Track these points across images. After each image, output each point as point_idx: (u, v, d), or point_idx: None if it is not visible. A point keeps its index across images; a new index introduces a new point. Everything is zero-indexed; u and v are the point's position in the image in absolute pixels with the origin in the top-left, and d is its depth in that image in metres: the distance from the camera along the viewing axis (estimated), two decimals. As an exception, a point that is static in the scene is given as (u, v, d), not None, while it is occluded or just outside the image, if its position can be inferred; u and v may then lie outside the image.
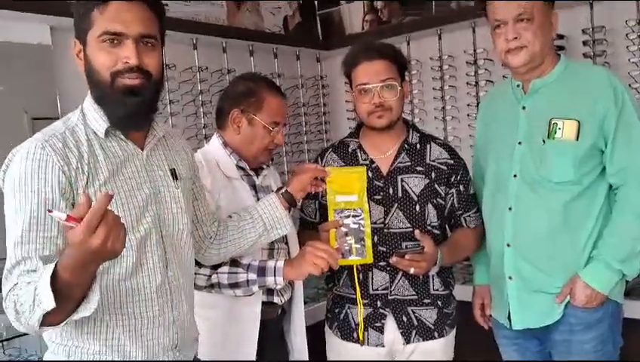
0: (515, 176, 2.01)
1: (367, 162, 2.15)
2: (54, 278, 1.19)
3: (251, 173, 2.11)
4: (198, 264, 1.86)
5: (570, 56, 3.08)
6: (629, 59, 2.91)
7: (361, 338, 2.10)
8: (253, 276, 1.94)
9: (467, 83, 3.40)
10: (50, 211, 1.16)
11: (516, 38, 1.92)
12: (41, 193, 1.35)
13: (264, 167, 2.16)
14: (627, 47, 2.92)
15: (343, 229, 2.01)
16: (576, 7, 3.03)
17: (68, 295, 1.22)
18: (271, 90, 2.09)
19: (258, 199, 2.06)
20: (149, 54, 1.45)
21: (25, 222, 1.33)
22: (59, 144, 1.40)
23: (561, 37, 3.07)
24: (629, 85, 2.88)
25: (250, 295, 1.97)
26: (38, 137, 1.42)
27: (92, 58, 1.43)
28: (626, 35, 2.91)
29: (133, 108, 1.44)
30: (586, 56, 3.00)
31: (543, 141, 1.95)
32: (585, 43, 3.01)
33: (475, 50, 3.32)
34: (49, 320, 1.25)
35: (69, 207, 1.37)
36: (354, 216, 2.00)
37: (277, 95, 2.09)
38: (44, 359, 1.52)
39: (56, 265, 1.20)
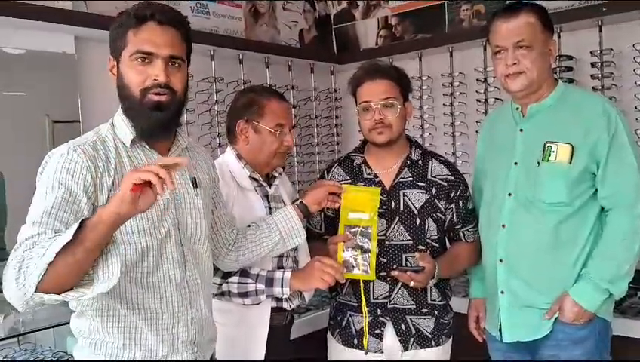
0: (509, 195, 2.08)
1: (371, 176, 2.24)
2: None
3: (264, 183, 2.19)
4: None
5: (579, 77, 3.13)
6: (635, 82, 2.95)
7: (365, 345, 2.17)
8: (261, 286, 2.03)
9: (477, 100, 3.45)
10: None
11: (515, 63, 1.99)
12: (67, 185, 1.47)
13: (276, 175, 2.24)
14: (634, 69, 2.95)
15: (351, 244, 2.09)
16: (585, 29, 3.08)
17: (83, 244, 1.29)
18: (270, 95, 2.17)
19: (270, 209, 2.16)
20: (176, 74, 1.59)
21: (47, 206, 1.44)
22: (89, 149, 1.54)
23: (570, 58, 3.13)
24: (635, 107, 2.93)
25: (257, 303, 2.06)
26: (72, 142, 1.56)
27: (124, 74, 1.58)
28: (634, 58, 2.94)
29: (158, 122, 1.58)
30: (593, 78, 3.04)
31: (538, 163, 2.02)
32: (593, 65, 3.05)
33: (485, 68, 3.36)
34: (50, 279, 1.28)
35: (89, 204, 1.49)
36: (362, 234, 2.08)
37: (277, 99, 2.17)
38: (72, 353, 1.65)
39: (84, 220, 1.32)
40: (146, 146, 1.63)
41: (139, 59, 1.55)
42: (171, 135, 1.69)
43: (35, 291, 1.29)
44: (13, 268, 1.33)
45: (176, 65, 1.59)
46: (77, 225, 1.30)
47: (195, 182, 1.73)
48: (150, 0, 1.66)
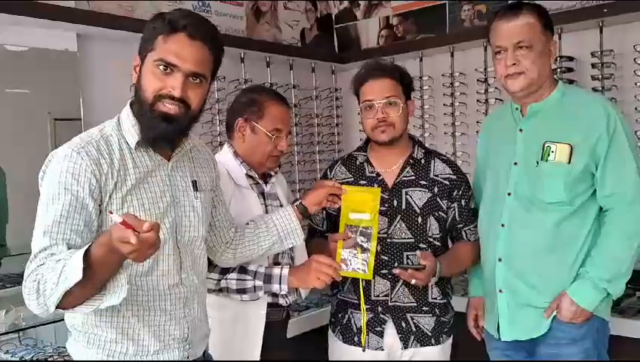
0: (509, 194, 2.08)
1: (374, 175, 2.25)
2: (86, 257, 1.29)
3: (260, 181, 2.20)
4: (208, 268, 1.93)
5: (579, 78, 3.13)
6: (636, 83, 2.95)
7: (363, 343, 2.18)
8: (259, 283, 2.03)
9: (477, 100, 3.44)
10: (111, 212, 1.29)
11: (515, 64, 1.99)
12: (74, 191, 1.47)
13: (272, 174, 2.25)
14: (635, 71, 2.95)
15: (351, 243, 2.09)
16: (586, 30, 3.08)
17: (95, 272, 1.31)
18: (273, 99, 2.18)
19: (266, 206, 2.17)
20: (195, 90, 1.57)
21: (56, 215, 1.44)
22: (93, 151, 1.52)
23: (570, 59, 3.13)
24: (636, 108, 2.93)
25: (256, 299, 2.07)
26: (75, 142, 1.54)
27: (144, 76, 1.56)
28: (634, 59, 2.94)
29: (164, 132, 1.56)
30: (594, 79, 3.04)
31: (537, 163, 2.03)
32: (594, 66, 3.05)
33: (486, 69, 3.35)
34: (67, 300, 1.35)
35: (96, 206, 1.50)
36: (363, 234, 2.08)
37: (279, 103, 2.17)
38: (66, 346, 1.66)
39: (90, 244, 1.31)
40: (151, 149, 1.62)
41: (161, 67, 1.53)
42: (176, 143, 1.67)
43: (56, 308, 1.37)
44: (33, 288, 1.38)
45: (197, 80, 1.57)
46: (81, 262, 1.28)
47: (195, 186, 1.73)
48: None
